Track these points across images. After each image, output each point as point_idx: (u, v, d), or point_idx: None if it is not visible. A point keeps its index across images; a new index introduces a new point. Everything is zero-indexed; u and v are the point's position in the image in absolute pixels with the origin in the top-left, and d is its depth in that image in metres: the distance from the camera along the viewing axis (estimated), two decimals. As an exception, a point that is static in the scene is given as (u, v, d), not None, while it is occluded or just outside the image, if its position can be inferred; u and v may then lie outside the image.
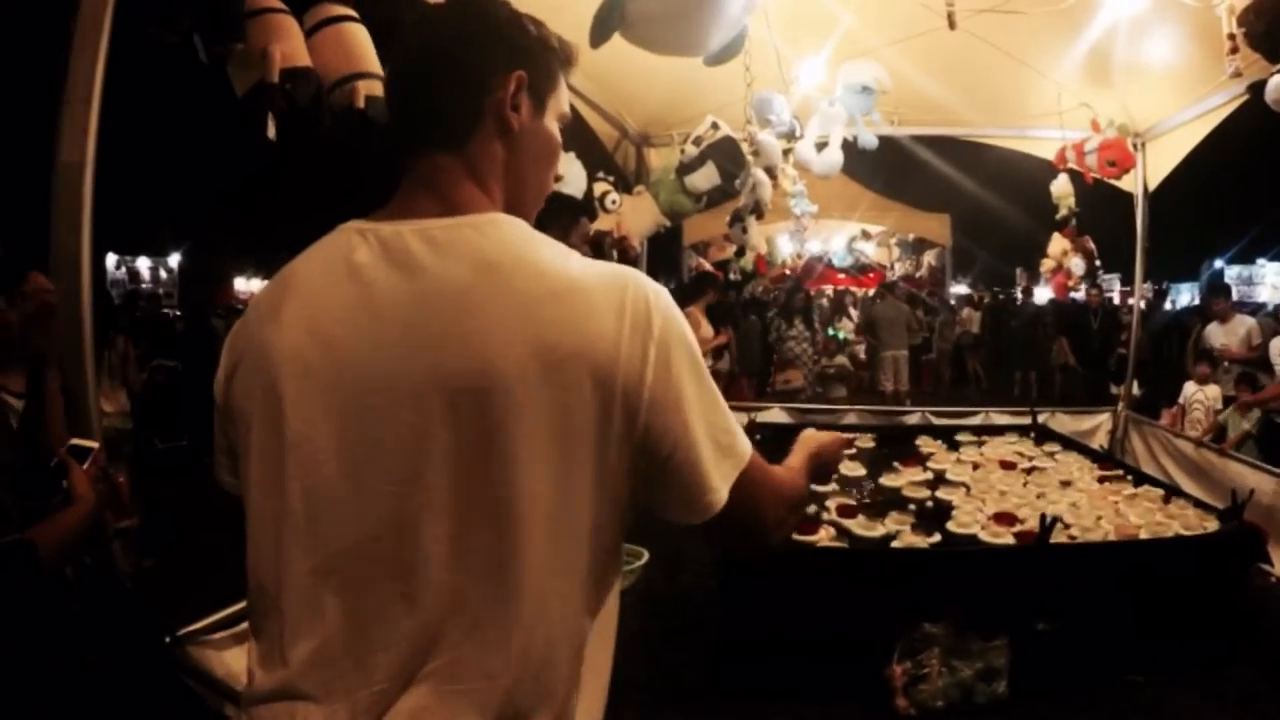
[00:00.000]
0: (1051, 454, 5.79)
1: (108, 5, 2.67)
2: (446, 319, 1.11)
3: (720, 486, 1.19)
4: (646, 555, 4.40)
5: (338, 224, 1.27)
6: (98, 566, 2.46)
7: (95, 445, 2.20)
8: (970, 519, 4.30)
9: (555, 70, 1.34)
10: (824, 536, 4.10)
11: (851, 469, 5.13)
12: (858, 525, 4.21)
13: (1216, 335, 8.36)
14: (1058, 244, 7.76)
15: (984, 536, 4.14)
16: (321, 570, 1.13)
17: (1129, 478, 5.13)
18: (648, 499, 1.20)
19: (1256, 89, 4.51)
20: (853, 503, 4.45)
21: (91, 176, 2.65)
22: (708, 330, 7.68)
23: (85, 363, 2.71)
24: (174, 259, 26.73)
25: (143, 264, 26.43)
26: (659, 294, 1.17)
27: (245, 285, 27.19)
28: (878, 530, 4.16)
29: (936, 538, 4.09)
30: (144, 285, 24.80)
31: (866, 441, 6.03)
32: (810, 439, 1.77)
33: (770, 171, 6.48)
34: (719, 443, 1.19)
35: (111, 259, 24.36)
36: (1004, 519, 4.26)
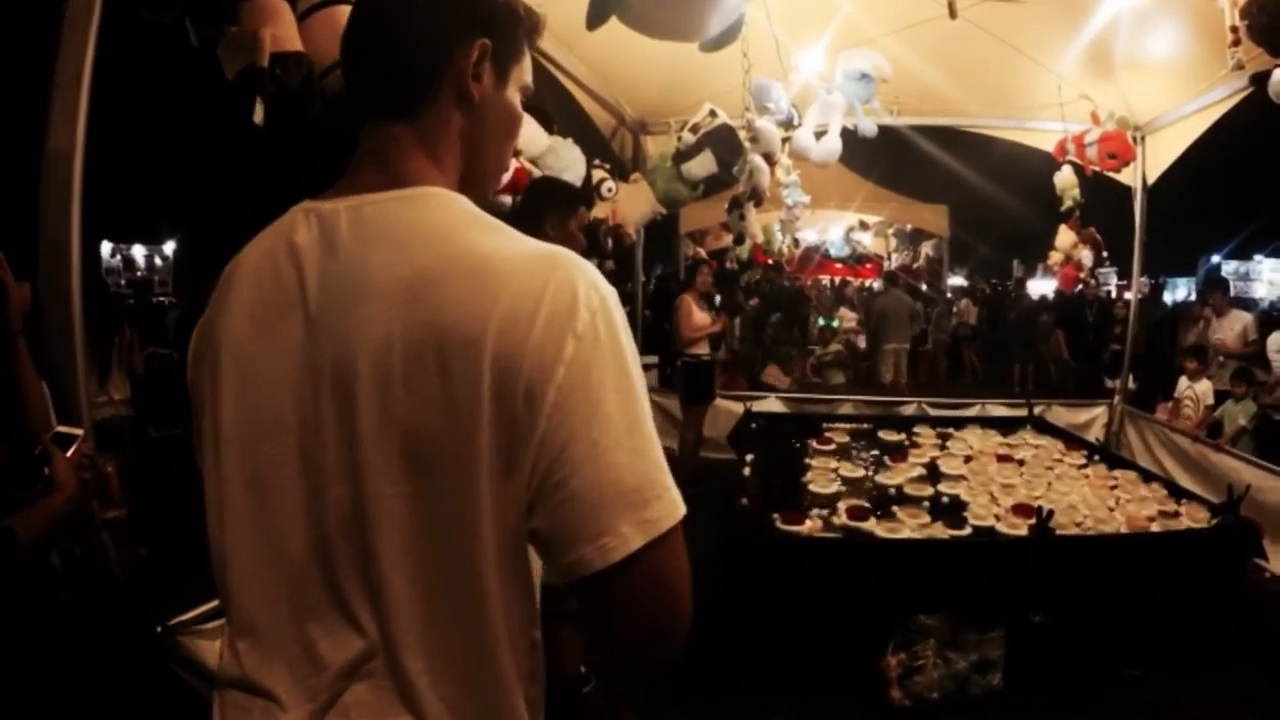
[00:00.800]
0: (1039, 446, 5.80)
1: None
2: (357, 298, 1.06)
3: (608, 541, 0.98)
4: None
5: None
6: (88, 556, 2.45)
7: (79, 433, 2.18)
8: (986, 511, 4.29)
9: (520, 39, 1.27)
10: (810, 528, 4.09)
11: (851, 470, 5.04)
12: (880, 528, 4.12)
13: (1214, 329, 8.33)
14: (1065, 236, 7.73)
15: (1002, 529, 4.13)
16: (262, 560, 1.12)
17: (1130, 472, 5.12)
18: (534, 527, 1.02)
19: (1260, 80, 4.50)
20: (865, 505, 4.35)
21: (81, 163, 2.63)
22: (701, 318, 7.61)
23: (75, 352, 2.68)
24: (169, 246, 26.66)
25: (138, 252, 26.37)
26: (594, 286, 1.03)
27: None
28: (902, 531, 4.08)
29: (967, 530, 4.09)
30: (139, 273, 24.74)
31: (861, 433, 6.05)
32: None
33: (769, 158, 6.46)
34: (637, 484, 0.99)
35: (106, 247, 24.31)
36: (1022, 510, 4.24)
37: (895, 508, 4.33)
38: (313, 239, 1.13)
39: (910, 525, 4.12)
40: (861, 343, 14.33)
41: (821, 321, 14.72)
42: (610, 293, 1.05)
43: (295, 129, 3.16)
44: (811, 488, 4.56)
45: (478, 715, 1.08)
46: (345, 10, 3.31)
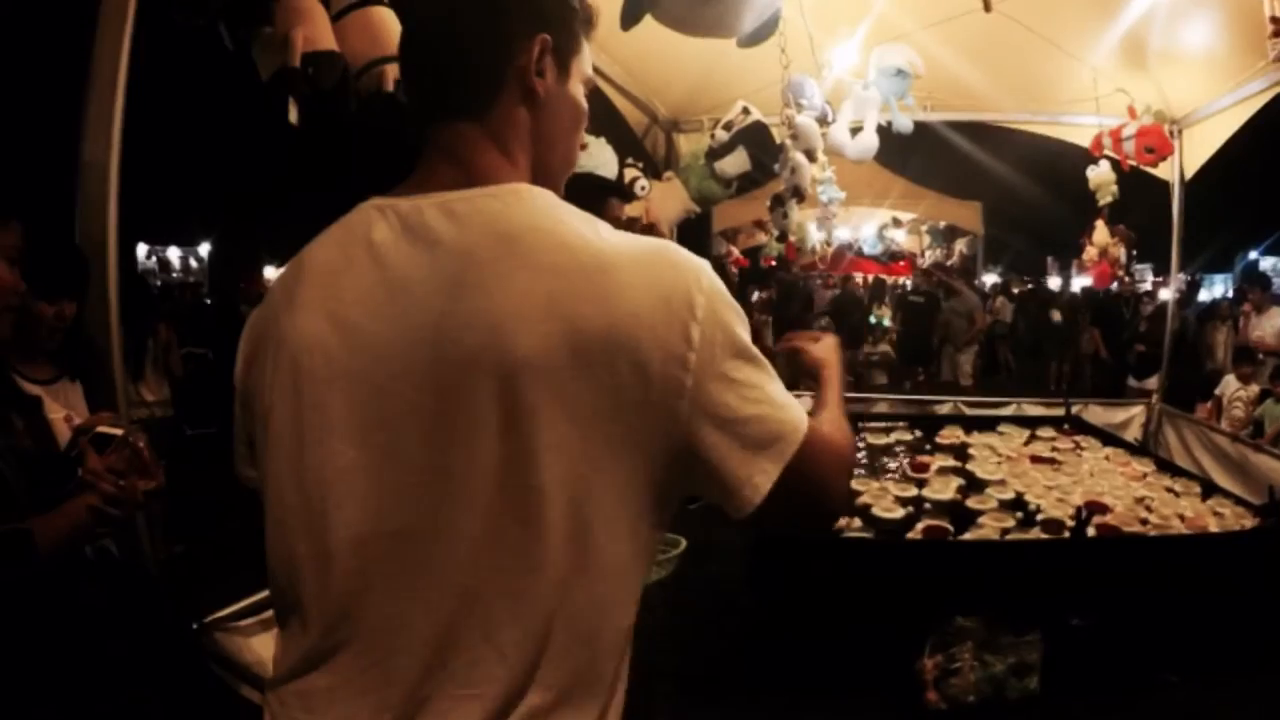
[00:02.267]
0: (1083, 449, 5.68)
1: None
2: (467, 296, 1.06)
3: (758, 479, 1.10)
4: (684, 543, 4.28)
5: None
6: (124, 554, 2.46)
7: (119, 433, 2.18)
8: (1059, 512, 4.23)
9: (578, 31, 1.29)
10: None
11: (904, 489, 4.70)
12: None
13: (1257, 327, 8.20)
14: (1102, 232, 7.63)
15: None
16: (336, 568, 1.10)
17: (1171, 474, 5.02)
18: (691, 489, 1.14)
19: (1300, 75, 4.43)
20: (945, 525, 4.16)
21: (117, 170, 2.65)
22: None
23: (114, 355, 2.71)
24: (204, 248, 26.95)
25: (173, 253, 26.69)
26: (701, 271, 1.10)
27: (275, 273, 27.43)
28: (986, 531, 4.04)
29: (1036, 531, 4.06)
30: (174, 274, 25.05)
31: (903, 434, 5.98)
32: (824, 364, 1.72)
33: (810, 155, 6.42)
34: (766, 430, 1.11)
35: (142, 249, 24.62)
36: (1094, 507, 4.22)
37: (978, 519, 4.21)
38: (395, 234, 1.13)
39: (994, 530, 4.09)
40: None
41: (873, 319, 14.63)
42: (710, 273, 1.12)
43: (330, 129, 3.18)
44: (874, 512, 4.31)
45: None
46: (379, 10, 3.33)
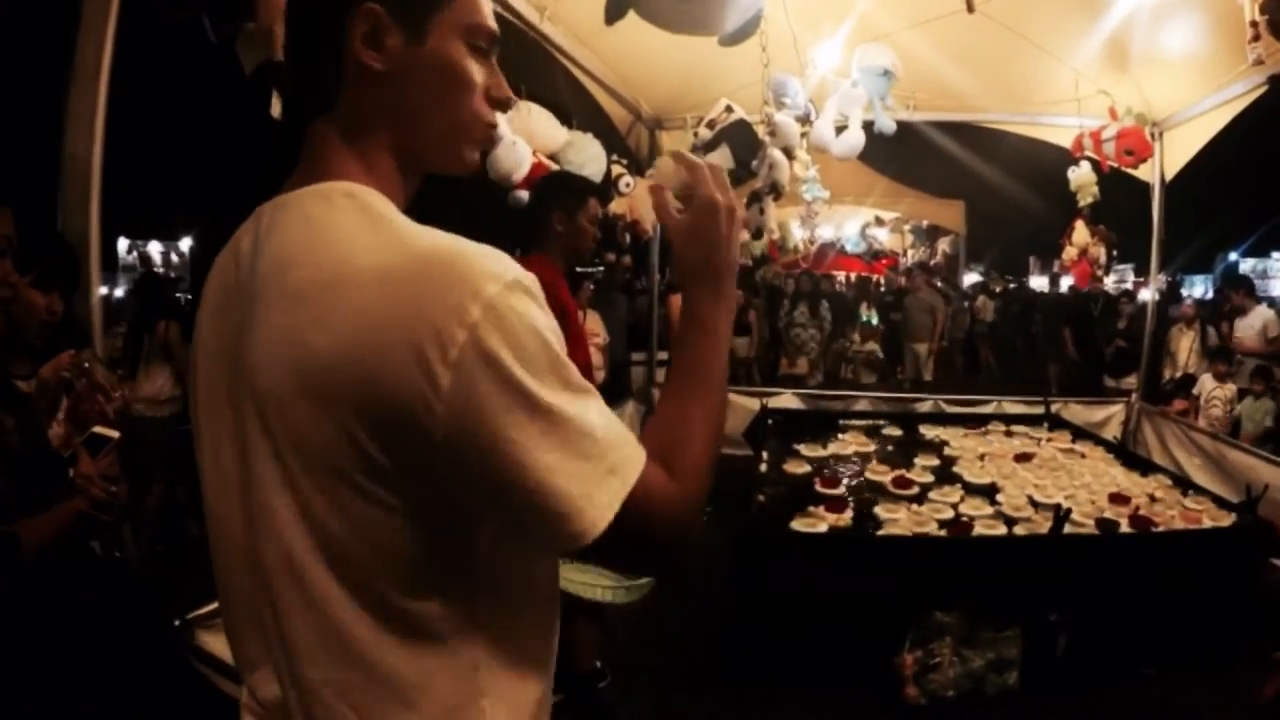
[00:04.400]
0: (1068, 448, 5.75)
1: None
2: (244, 317, 1.01)
3: (590, 511, 0.92)
4: None
5: None
6: (107, 551, 2.45)
7: (114, 435, 2.16)
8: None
9: None
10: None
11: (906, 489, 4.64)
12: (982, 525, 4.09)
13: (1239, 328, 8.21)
14: (1081, 232, 7.68)
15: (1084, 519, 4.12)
16: (228, 571, 1.11)
17: (1152, 472, 5.10)
18: (504, 533, 1.00)
19: (1276, 81, 4.47)
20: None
21: (100, 163, 2.65)
22: None
23: (96, 348, 2.68)
24: (185, 243, 26.71)
25: (154, 248, 26.42)
26: (478, 293, 0.89)
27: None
28: (998, 529, 4.05)
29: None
30: (156, 269, 24.81)
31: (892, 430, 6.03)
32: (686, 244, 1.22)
33: (788, 152, 6.43)
34: (544, 517, 0.92)
35: (123, 243, 24.38)
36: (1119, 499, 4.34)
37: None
38: (250, 240, 1.08)
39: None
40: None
41: (863, 318, 14.67)
42: (498, 287, 0.90)
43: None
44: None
45: None
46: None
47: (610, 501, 0.93)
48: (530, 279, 0.95)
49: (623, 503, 0.94)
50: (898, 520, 4.09)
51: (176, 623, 2.79)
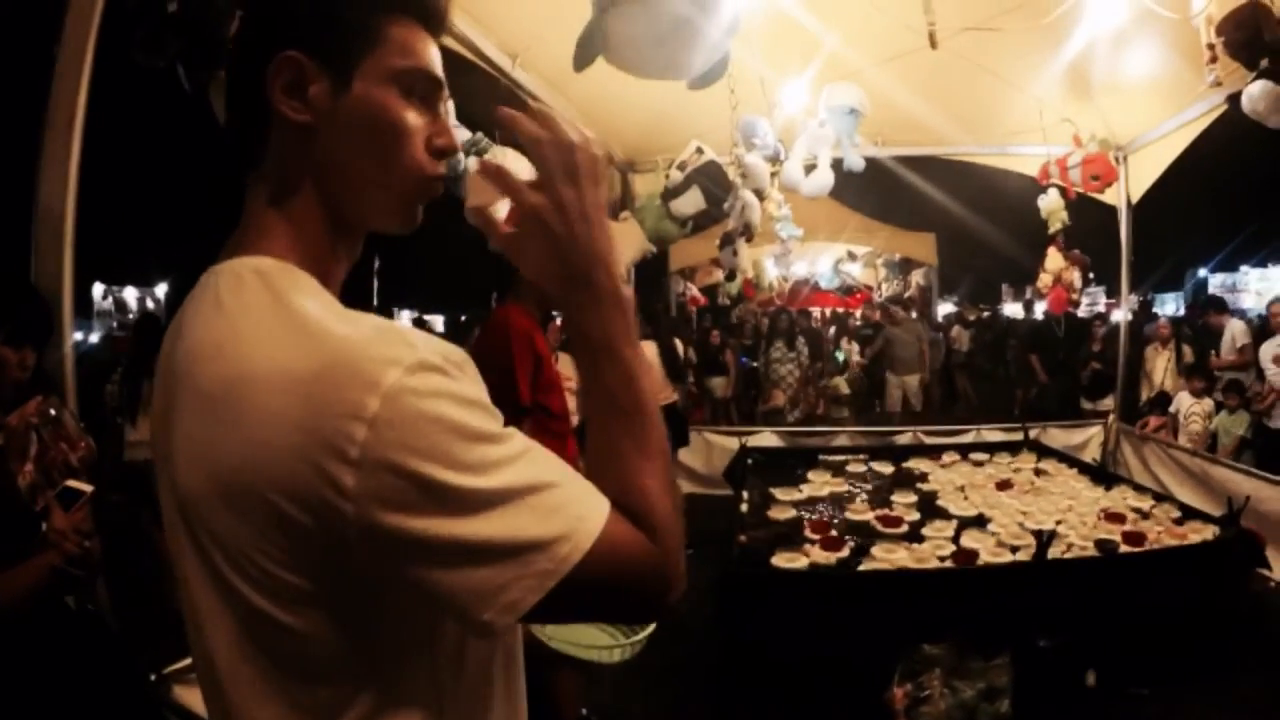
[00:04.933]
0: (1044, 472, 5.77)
1: (91, 30, 2.67)
2: (167, 406, 0.96)
3: (508, 594, 0.86)
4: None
5: None
6: (81, 606, 2.42)
7: (88, 489, 2.14)
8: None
9: (368, 24, 1.01)
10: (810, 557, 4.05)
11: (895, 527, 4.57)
12: (988, 553, 4.08)
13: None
14: (1054, 259, 7.78)
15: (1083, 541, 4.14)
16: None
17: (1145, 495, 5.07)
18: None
19: (1235, 100, 4.55)
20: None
21: (73, 215, 2.64)
22: (657, 376, 6.95)
23: (67, 399, 2.66)
24: (161, 289, 26.56)
25: (130, 294, 26.25)
26: (378, 385, 0.83)
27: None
28: (1005, 557, 4.03)
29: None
30: (131, 315, 24.63)
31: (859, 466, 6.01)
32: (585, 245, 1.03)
33: (759, 193, 6.49)
34: (468, 602, 0.86)
35: (98, 288, 24.25)
36: (1114, 518, 4.36)
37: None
38: (179, 317, 1.01)
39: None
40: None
41: (839, 355, 14.72)
42: (402, 373, 0.84)
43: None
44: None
45: None
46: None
47: (538, 584, 0.86)
48: (441, 355, 0.88)
49: (577, 563, 0.87)
50: (896, 560, 4.03)
51: (153, 677, 2.76)
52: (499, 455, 0.87)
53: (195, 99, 2.93)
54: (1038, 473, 5.69)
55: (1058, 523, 4.43)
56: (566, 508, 0.89)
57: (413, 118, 1.04)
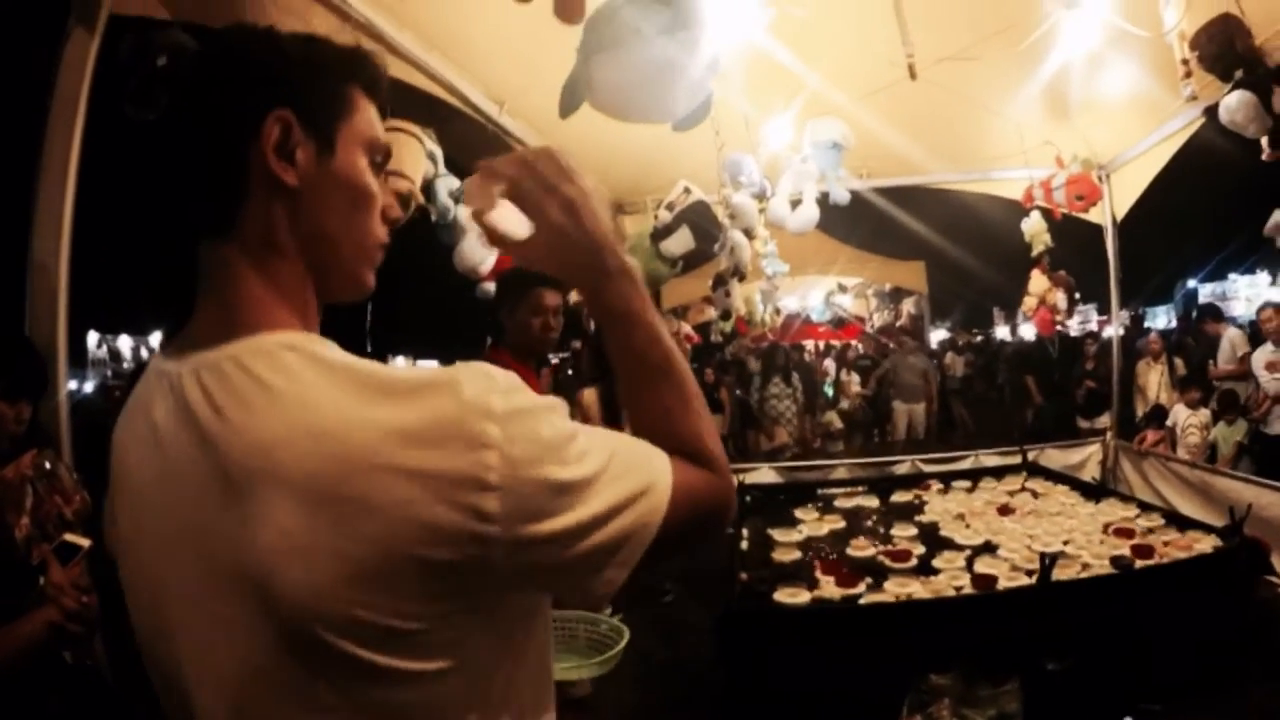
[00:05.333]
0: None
1: (84, 82, 2.70)
2: (223, 507, 0.91)
3: (661, 500, 1.00)
4: (627, 635, 3.72)
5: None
6: (79, 661, 2.40)
7: (85, 543, 2.14)
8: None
9: (343, 92, 1.05)
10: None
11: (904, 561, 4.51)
12: (1005, 578, 4.07)
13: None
14: (1038, 281, 7.83)
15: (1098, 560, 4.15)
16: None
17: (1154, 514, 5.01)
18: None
19: (1212, 111, 4.62)
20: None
21: (67, 269, 2.66)
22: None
23: (62, 450, 2.68)
24: (155, 338, 26.55)
25: (124, 343, 26.19)
26: (489, 409, 0.90)
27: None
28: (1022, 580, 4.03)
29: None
30: (125, 364, 24.57)
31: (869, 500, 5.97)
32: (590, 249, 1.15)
33: (748, 232, 6.54)
34: (626, 500, 0.98)
35: (93, 337, 24.23)
36: (1122, 533, 4.39)
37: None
38: (169, 413, 0.97)
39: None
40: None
41: (829, 390, 14.73)
42: (506, 400, 0.91)
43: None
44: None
45: None
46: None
47: (645, 533, 0.98)
48: (505, 374, 0.94)
49: (669, 501, 0.99)
50: (913, 594, 4.01)
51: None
52: (584, 444, 0.96)
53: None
54: (1033, 494, 5.66)
55: (1065, 543, 4.43)
56: (638, 466, 1.00)
57: (376, 186, 1.08)
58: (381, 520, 0.86)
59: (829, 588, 4.05)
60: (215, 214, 1.00)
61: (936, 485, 6.17)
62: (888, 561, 4.48)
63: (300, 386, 0.91)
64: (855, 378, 15.16)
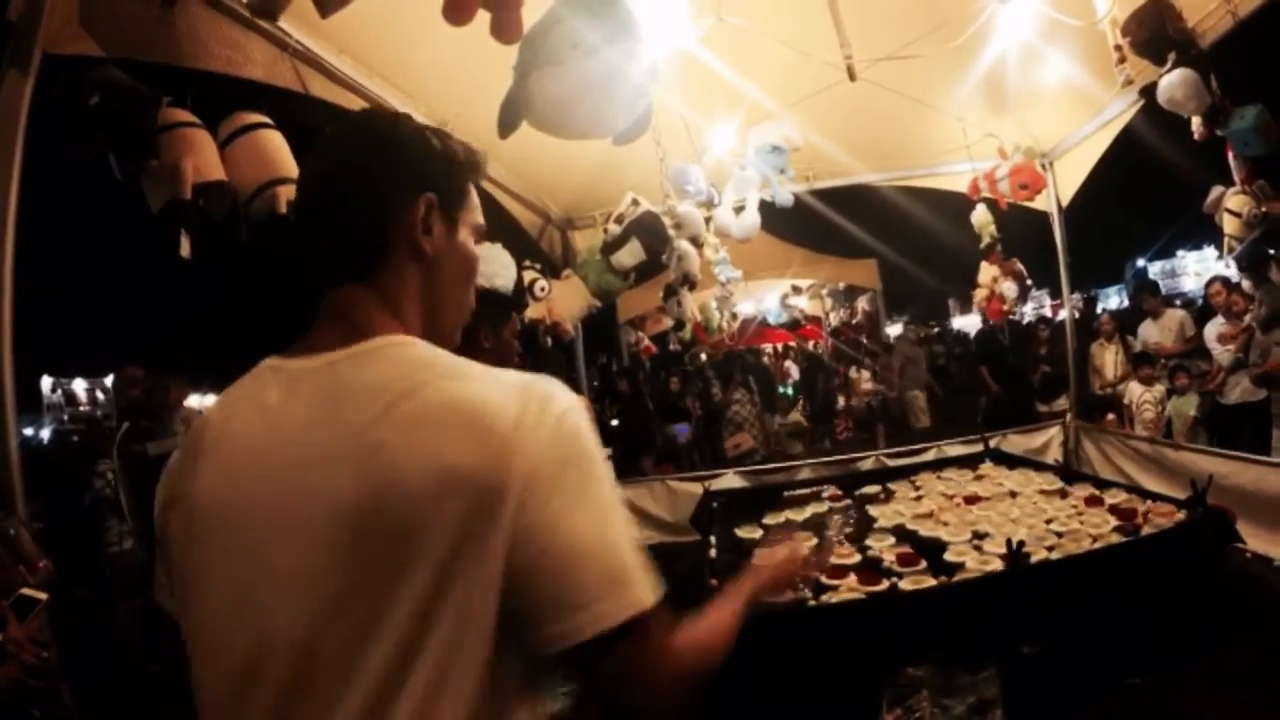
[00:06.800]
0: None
1: (19, 125, 2.64)
2: (352, 454, 1.06)
3: (630, 591, 1.09)
4: None
5: (272, 340, 1.25)
6: (47, 714, 2.35)
7: (43, 597, 2.10)
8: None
9: (465, 184, 1.31)
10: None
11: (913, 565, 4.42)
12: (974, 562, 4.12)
13: (1150, 332, 8.51)
14: (987, 272, 7.93)
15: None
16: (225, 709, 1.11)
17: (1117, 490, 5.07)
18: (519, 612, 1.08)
19: (1149, 91, 4.70)
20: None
21: (10, 314, 2.58)
22: None
23: (16, 499, 2.56)
24: (109, 379, 26.09)
25: (79, 386, 25.79)
26: (561, 415, 1.09)
27: (194, 401, 26.63)
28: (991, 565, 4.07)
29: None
30: (81, 407, 24.15)
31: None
32: (762, 571, 1.75)
33: (696, 241, 6.55)
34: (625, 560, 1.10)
35: (46, 381, 23.83)
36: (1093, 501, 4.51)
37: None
38: (286, 397, 1.14)
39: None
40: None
41: (781, 390, 14.75)
42: (569, 413, 1.10)
43: (224, 255, 3.15)
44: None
45: None
46: (267, 134, 3.35)
47: (631, 601, 1.09)
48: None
49: (633, 616, 1.08)
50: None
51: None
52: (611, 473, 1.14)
53: (128, 188, 2.92)
54: (983, 480, 5.72)
55: (1048, 521, 4.52)
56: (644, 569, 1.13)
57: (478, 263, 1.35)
58: (486, 448, 1.05)
59: (852, 584, 4.07)
60: (360, 265, 1.21)
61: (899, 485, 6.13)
62: (898, 567, 4.36)
63: (426, 353, 1.15)
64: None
